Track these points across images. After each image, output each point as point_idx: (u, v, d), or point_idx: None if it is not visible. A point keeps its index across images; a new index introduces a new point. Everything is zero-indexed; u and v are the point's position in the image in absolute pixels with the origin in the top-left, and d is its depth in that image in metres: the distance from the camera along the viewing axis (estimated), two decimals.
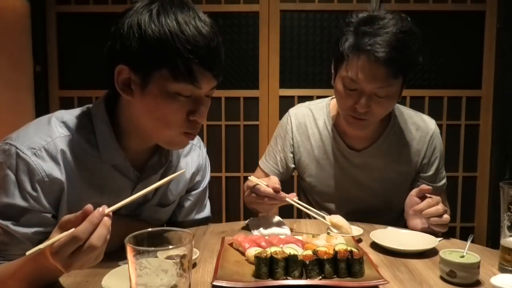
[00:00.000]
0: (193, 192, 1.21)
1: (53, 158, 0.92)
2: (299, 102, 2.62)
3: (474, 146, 2.66)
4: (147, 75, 0.87)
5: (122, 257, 0.91)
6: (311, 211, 1.18)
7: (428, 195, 1.13)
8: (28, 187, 0.89)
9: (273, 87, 2.65)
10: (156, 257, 0.59)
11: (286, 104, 2.65)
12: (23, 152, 0.88)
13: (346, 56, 1.17)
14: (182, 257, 0.60)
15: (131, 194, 0.94)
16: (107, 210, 0.72)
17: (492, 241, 2.57)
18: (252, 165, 2.71)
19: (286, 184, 1.47)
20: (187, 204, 1.20)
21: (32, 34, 2.54)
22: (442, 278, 0.88)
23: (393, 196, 1.36)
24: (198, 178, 1.21)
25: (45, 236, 0.93)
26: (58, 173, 0.92)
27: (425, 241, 1.05)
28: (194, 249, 0.94)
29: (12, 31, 2.40)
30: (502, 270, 0.91)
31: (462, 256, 0.88)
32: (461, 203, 2.68)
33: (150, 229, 0.67)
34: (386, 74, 1.13)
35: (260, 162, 1.50)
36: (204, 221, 1.26)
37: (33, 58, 2.55)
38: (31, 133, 0.93)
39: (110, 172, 0.99)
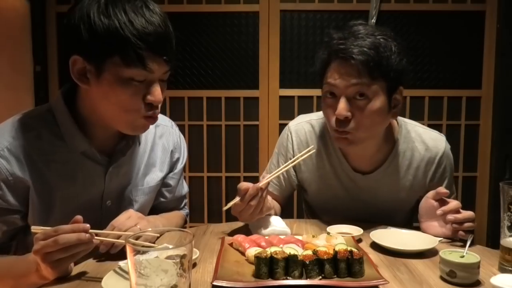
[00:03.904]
0: (177, 170, 1.28)
1: (16, 158, 0.97)
2: (299, 102, 2.64)
3: (474, 146, 2.66)
4: (100, 63, 0.91)
5: (122, 257, 0.91)
6: (294, 161, 1.19)
7: (446, 199, 1.12)
8: None
9: (273, 87, 2.65)
10: (156, 257, 0.59)
11: (286, 104, 2.65)
12: None
13: (324, 66, 1.18)
14: (182, 257, 0.60)
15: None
16: (91, 230, 0.84)
17: (492, 241, 2.57)
18: (252, 165, 2.73)
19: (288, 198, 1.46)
20: (174, 182, 1.28)
21: (32, 34, 2.54)
22: (442, 278, 0.88)
23: (398, 212, 1.34)
24: (177, 155, 1.28)
25: (8, 234, 1.01)
26: (22, 172, 0.97)
27: (425, 241, 1.05)
28: (194, 249, 0.94)
29: (12, 31, 2.40)
30: (502, 270, 0.91)
31: (462, 256, 0.87)
32: (461, 203, 2.67)
33: (150, 229, 0.68)
34: (361, 70, 1.09)
35: (262, 178, 1.46)
36: (185, 196, 1.37)
37: (33, 58, 2.55)
38: None
39: (80, 160, 1.04)
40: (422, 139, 1.30)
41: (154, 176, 1.19)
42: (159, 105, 1.00)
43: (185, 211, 1.39)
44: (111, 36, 0.88)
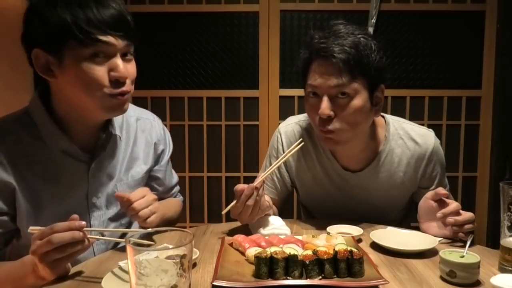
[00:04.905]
0: (163, 162, 1.30)
1: (0, 162, 0.97)
2: (299, 102, 2.64)
3: (474, 146, 2.66)
4: (59, 52, 0.93)
5: (122, 257, 0.91)
6: (284, 156, 1.21)
7: (445, 199, 1.12)
8: None
9: (273, 87, 2.65)
10: (156, 257, 0.59)
11: (286, 104, 2.65)
12: None
13: (305, 66, 1.19)
14: (182, 257, 0.60)
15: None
16: (85, 228, 0.84)
17: (492, 241, 2.57)
18: (252, 165, 2.72)
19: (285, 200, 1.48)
20: (162, 174, 1.30)
21: None
22: (442, 278, 0.88)
23: (392, 210, 1.35)
24: (162, 147, 1.29)
25: (3, 239, 1.02)
26: (5, 176, 0.97)
27: (425, 241, 1.05)
28: (194, 249, 0.94)
29: (12, 31, 2.39)
30: (502, 270, 0.91)
31: (462, 256, 0.88)
32: (461, 203, 2.66)
33: (150, 229, 0.68)
34: (342, 68, 1.11)
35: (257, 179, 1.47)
36: (175, 184, 1.39)
37: None
38: None
39: (62, 159, 1.04)
40: (411, 136, 1.31)
41: (139, 169, 1.20)
42: (129, 82, 1.00)
43: (180, 198, 1.41)
44: (61, 24, 0.90)
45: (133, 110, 1.23)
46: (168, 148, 1.31)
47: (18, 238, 1.03)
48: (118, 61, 0.96)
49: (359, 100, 1.14)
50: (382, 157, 1.29)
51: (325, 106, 1.13)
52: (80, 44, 0.92)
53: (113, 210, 1.13)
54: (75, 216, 0.85)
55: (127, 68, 0.99)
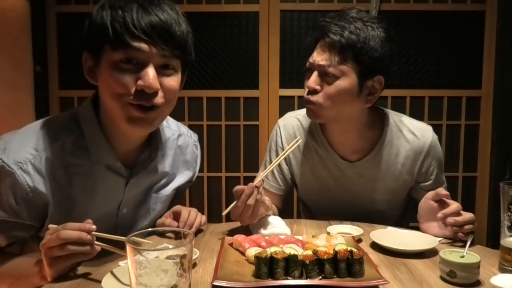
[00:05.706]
0: (193, 180, 1.32)
1: (39, 172, 0.93)
2: (299, 102, 2.64)
3: (474, 146, 2.66)
4: (98, 55, 0.92)
5: (122, 257, 0.91)
6: (282, 155, 1.22)
7: (446, 200, 1.13)
8: (12, 201, 0.92)
9: (273, 87, 2.65)
10: (156, 257, 0.59)
11: (286, 104, 2.65)
12: (9, 166, 0.90)
13: (312, 47, 1.24)
14: (182, 257, 0.60)
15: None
16: (94, 233, 0.83)
17: (492, 241, 2.57)
18: (252, 165, 2.73)
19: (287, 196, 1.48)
20: (185, 189, 1.32)
21: (32, 34, 2.54)
22: (442, 278, 0.88)
23: (391, 207, 1.35)
24: (193, 171, 1.30)
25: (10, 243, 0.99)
26: (43, 187, 0.93)
27: (425, 241, 1.05)
28: (194, 249, 0.94)
29: (12, 31, 2.40)
30: (502, 270, 0.91)
31: (462, 256, 0.88)
32: (461, 203, 2.66)
33: (150, 229, 0.68)
34: (333, 48, 1.16)
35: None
36: None
37: (33, 58, 2.55)
38: (18, 145, 0.94)
39: (103, 172, 1.01)
40: (410, 129, 1.33)
41: (172, 185, 1.20)
42: (160, 96, 0.93)
43: None
44: (101, 26, 0.90)
45: (176, 125, 1.24)
46: (197, 169, 1.31)
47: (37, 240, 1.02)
48: (150, 70, 0.90)
49: (345, 82, 1.17)
50: (380, 148, 1.30)
51: (312, 79, 1.19)
52: (112, 47, 0.89)
53: (142, 222, 1.12)
54: (89, 220, 0.85)
55: (163, 82, 0.93)
